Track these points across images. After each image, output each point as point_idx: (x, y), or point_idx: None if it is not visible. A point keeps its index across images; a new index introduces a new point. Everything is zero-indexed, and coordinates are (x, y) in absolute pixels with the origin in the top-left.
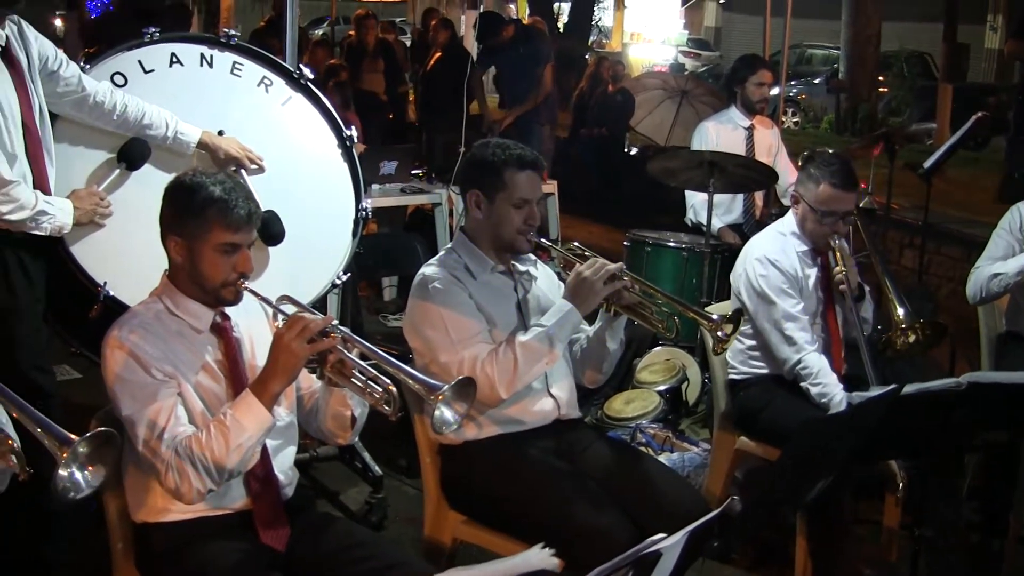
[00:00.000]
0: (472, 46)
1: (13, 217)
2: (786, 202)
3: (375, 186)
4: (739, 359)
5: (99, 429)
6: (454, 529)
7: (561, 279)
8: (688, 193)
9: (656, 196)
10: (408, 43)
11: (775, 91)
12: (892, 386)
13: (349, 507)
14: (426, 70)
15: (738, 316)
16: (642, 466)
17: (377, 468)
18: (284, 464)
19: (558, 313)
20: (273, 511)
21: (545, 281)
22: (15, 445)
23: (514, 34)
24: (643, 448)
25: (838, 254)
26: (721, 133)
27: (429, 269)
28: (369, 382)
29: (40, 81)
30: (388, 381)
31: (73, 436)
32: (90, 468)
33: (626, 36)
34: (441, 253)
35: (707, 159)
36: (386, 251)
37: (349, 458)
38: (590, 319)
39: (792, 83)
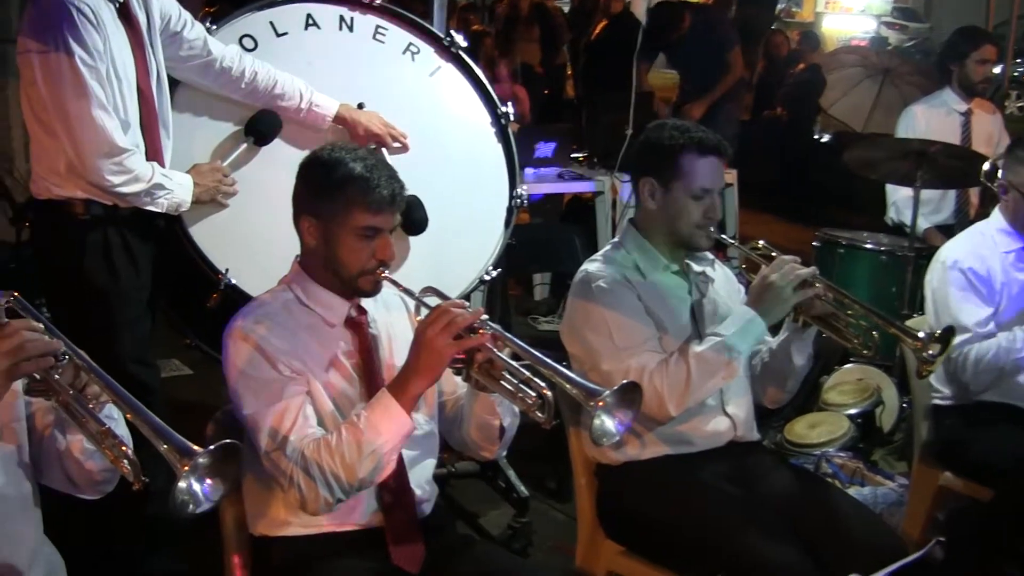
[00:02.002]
0: (642, 14)
1: (125, 190)
2: None
3: (529, 170)
4: (945, 382)
5: (224, 442)
6: (609, 560)
7: (742, 282)
8: (889, 188)
9: (849, 190)
10: (567, 8)
11: (998, 70)
12: None
13: (490, 531)
14: (589, 40)
15: (948, 335)
16: (829, 499)
17: (523, 488)
18: (422, 477)
19: (739, 321)
20: (407, 528)
21: (724, 284)
22: (129, 452)
23: (692, 23)
24: (829, 479)
25: None
26: (932, 119)
27: (593, 266)
28: (521, 385)
29: (160, 43)
30: (543, 385)
31: (196, 447)
32: (209, 481)
33: (819, 4)
34: (607, 248)
35: (914, 148)
36: (539, 245)
37: (492, 476)
38: (774, 329)
39: (1018, 61)
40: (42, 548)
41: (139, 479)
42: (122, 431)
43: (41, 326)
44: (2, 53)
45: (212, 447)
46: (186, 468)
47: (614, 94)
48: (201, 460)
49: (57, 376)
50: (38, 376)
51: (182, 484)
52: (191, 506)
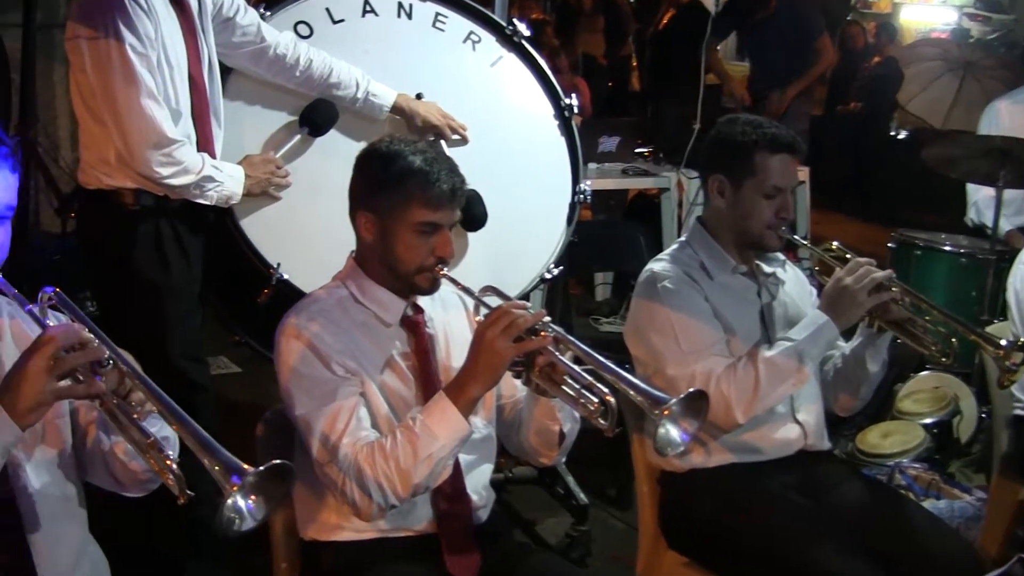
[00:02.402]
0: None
1: (175, 182)
2: None
3: (592, 165)
4: None
5: (276, 463)
6: (671, 572)
7: (813, 284)
8: (970, 187)
9: (927, 189)
10: None
11: None
12: None
13: (547, 539)
14: (656, 30)
15: None
16: (903, 512)
17: (582, 496)
18: (478, 483)
19: (811, 326)
20: (463, 536)
21: (795, 286)
22: (174, 465)
23: (777, 6)
24: (903, 491)
25: None
26: (1016, 115)
27: (659, 265)
28: (583, 391)
29: (212, 29)
30: (606, 390)
31: (246, 466)
32: (253, 498)
33: None
34: (673, 247)
35: (997, 146)
36: (601, 243)
37: (550, 483)
38: (847, 334)
39: None
40: (87, 548)
41: (184, 493)
42: (168, 434)
43: (84, 330)
44: (49, 38)
45: (263, 468)
46: (235, 488)
47: (681, 87)
48: (250, 479)
49: (101, 382)
50: (80, 377)
51: (229, 502)
52: (237, 524)
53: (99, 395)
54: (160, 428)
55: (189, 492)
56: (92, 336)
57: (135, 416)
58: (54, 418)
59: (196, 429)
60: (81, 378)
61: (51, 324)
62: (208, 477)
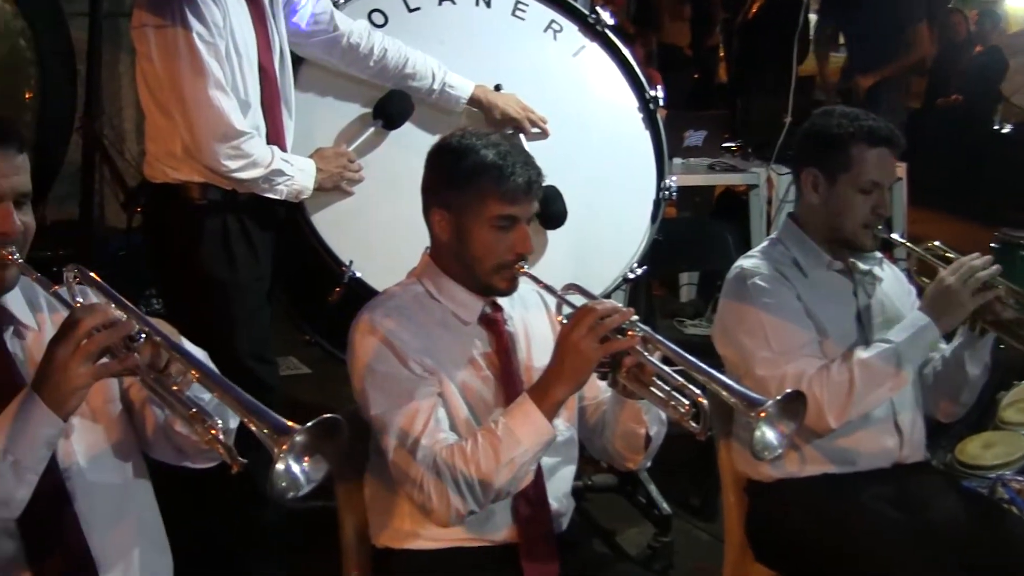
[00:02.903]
0: None
1: (243, 175)
2: None
3: (677, 160)
4: None
5: (324, 416)
6: None
7: (913, 284)
8: None
9: None
10: None
11: None
12: None
13: (628, 550)
14: (744, 19)
15: None
16: (1004, 528)
17: (665, 505)
18: (559, 489)
19: (911, 327)
20: (543, 544)
21: (892, 285)
22: (220, 435)
23: None
24: (1006, 506)
25: None
26: None
27: (749, 262)
28: (673, 392)
29: (284, 18)
30: (698, 392)
31: (292, 424)
32: (307, 460)
33: None
34: (764, 243)
35: None
36: (687, 241)
37: (631, 491)
38: (946, 336)
39: None
40: (149, 541)
41: (236, 461)
42: (208, 407)
43: (111, 306)
44: (115, 27)
45: (311, 423)
46: (285, 447)
47: (771, 78)
48: (299, 439)
49: (136, 356)
50: (114, 354)
51: (279, 467)
52: (291, 491)
53: (135, 369)
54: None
55: (242, 460)
56: (120, 312)
57: (175, 388)
58: (104, 403)
59: (239, 393)
60: (115, 355)
61: (79, 304)
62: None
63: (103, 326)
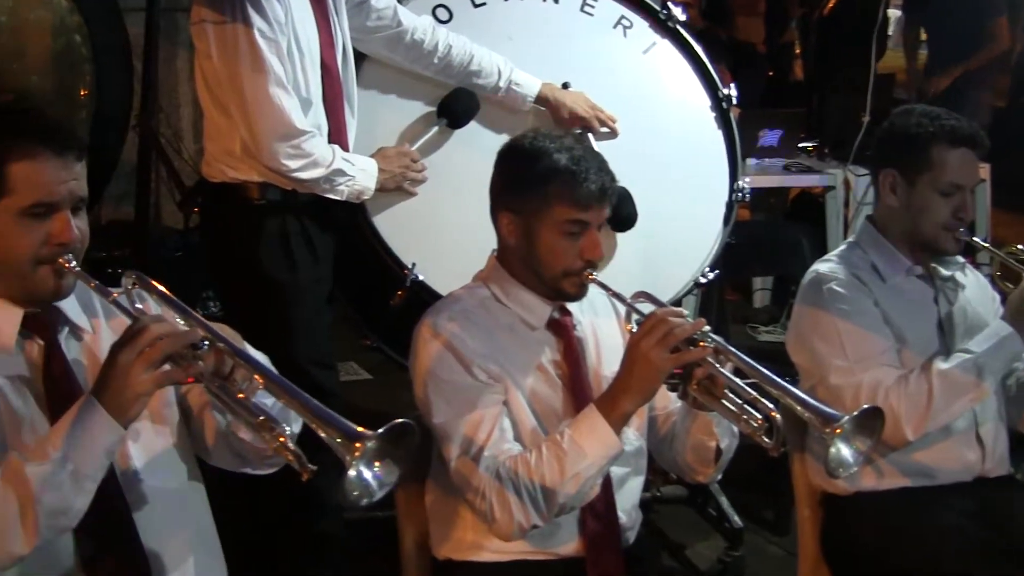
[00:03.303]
0: None
1: (304, 175)
2: None
3: (751, 161)
4: None
5: (396, 421)
6: None
7: (996, 291)
8: None
9: None
10: None
11: None
12: None
13: (698, 564)
14: (821, 14)
15: None
16: None
17: (736, 519)
18: (627, 501)
19: (993, 337)
20: (612, 559)
21: (976, 291)
22: (289, 442)
23: None
24: None
25: None
26: None
27: (825, 266)
28: (746, 405)
29: (346, 13)
30: (771, 406)
31: (362, 429)
32: (378, 464)
33: None
34: (841, 248)
35: None
36: (761, 245)
37: (701, 503)
38: None
39: None
40: (204, 548)
41: (306, 468)
42: (273, 413)
43: (175, 314)
44: (172, 23)
45: (383, 429)
46: (358, 453)
47: (849, 75)
48: (371, 444)
49: (200, 364)
50: (177, 362)
51: (352, 474)
52: (364, 498)
53: (198, 377)
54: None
55: (312, 467)
56: (183, 319)
57: (241, 396)
58: (160, 408)
59: (307, 400)
60: (178, 363)
61: (140, 310)
62: (333, 489)
63: (167, 334)
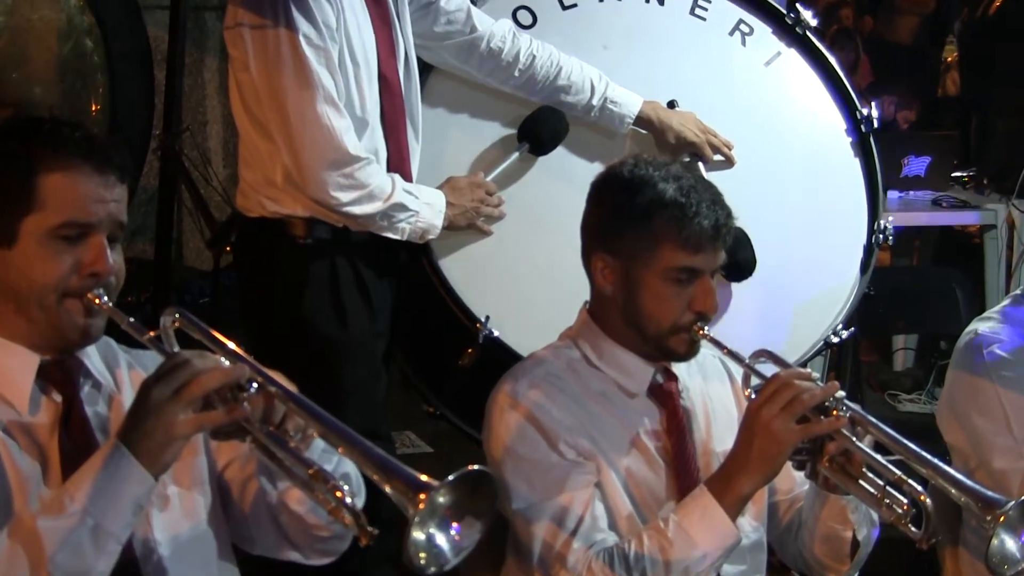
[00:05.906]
0: None
1: (357, 211)
2: None
3: (893, 194)
4: None
5: (470, 468)
6: None
7: None
8: None
9: None
10: None
11: None
12: None
13: None
14: (984, 15)
15: None
16: None
17: None
18: None
19: None
20: None
21: None
22: (347, 499)
23: None
24: None
25: None
26: None
27: (986, 326)
28: (888, 488)
29: (410, 17)
30: (919, 488)
31: (431, 480)
32: (456, 525)
33: None
34: (1005, 303)
35: None
36: (904, 296)
37: None
38: None
39: None
40: None
41: (365, 532)
42: (348, 470)
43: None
44: (200, 24)
45: (453, 477)
46: (422, 506)
47: (1015, 93)
48: (441, 500)
49: (246, 407)
50: (218, 404)
51: (417, 535)
52: (432, 566)
53: (242, 421)
54: (337, 465)
55: (372, 530)
56: (224, 357)
57: (292, 446)
58: (191, 487)
59: (369, 448)
60: (221, 405)
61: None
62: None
63: (210, 369)
